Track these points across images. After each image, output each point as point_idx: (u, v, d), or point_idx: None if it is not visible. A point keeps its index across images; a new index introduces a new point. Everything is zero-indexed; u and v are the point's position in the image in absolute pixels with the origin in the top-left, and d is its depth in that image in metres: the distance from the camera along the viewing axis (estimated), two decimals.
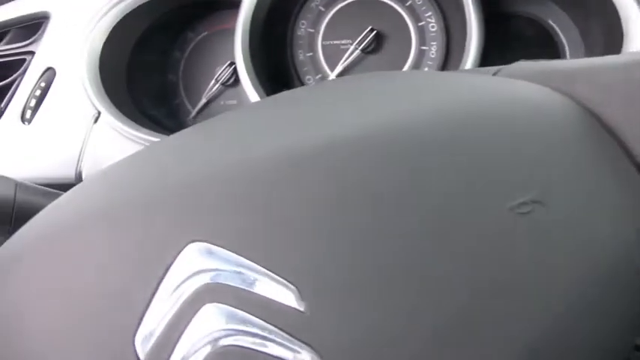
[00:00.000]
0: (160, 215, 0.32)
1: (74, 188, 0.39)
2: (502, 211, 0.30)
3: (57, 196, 0.57)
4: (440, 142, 0.33)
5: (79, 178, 0.81)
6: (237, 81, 0.90)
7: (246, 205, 0.31)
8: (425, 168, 0.31)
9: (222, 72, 0.90)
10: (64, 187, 0.80)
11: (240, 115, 0.40)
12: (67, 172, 0.82)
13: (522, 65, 0.42)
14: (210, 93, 0.92)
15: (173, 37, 0.94)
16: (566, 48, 0.81)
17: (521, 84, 0.38)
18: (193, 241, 0.30)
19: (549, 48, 0.81)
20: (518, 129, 0.34)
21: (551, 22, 0.82)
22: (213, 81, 0.91)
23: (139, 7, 0.86)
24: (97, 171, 0.39)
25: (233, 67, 0.89)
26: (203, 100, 0.92)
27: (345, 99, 0.38)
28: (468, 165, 0.32)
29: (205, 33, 0.94)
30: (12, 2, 0.89)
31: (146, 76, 0.93)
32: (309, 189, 0.31)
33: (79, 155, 0.82)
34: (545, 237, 0.31)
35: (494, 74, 0.42)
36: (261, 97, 0.79)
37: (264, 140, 0.34)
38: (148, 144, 0.79)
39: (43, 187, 0.59)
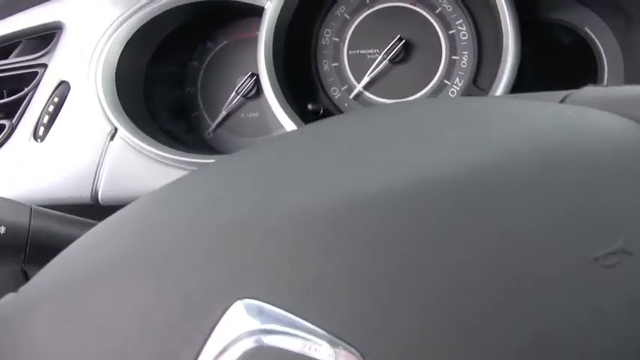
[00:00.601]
0: (203, 268, 0.28)
1: (99, 227, 0.35)
2: (585, 263, 0.26)
3: (73, 222, 0.56)
4: (512, 184, 0.29)
5: (95, 199, 0.78)
6: (258, 92, 0.87)
7: (302, 258, 0.27)
8: (495, 215, 0.27)
9: (244, 83, 0.87)
10: (79, 208, 0.78)
11: (289, 145, 0.36)
12: (82, 193, 0.78)
13: (593, 91, 0.38)
14: (231, 105, 0.88)
15: (191, 47, 0.91)
16: (604, 57, 0.78)
17: (598, 114, 0.34)
18: (241, 298, 0.26)
19: (586, 57, 0.78)
20: (599, 167, 0.30)
21: (587, 29, 0.79)
22: (233, 93, 0.87)
23: (157, 17, 0.82)
24: (127, 207, 0.35)
25: (254, 78, 0.86)
26: (223, 113, 0.89)
27: (404, 134, 0.34)
28: (544, 211, 0.28)
29: (225, 42, 0.90)
30: (23, 12, 0.85)
31: (164, 88, 0.90)
32: (374, 241, 0.27)
33: (95, 174, 0.78)
34: (636, 290, 0.26)
35: (562, 101, 0.37)
36: (285, 109, 0.76)
37: (322, 182, 0.30)
38: (166, 162, 0.77)
39: (58, 213, 0.57)
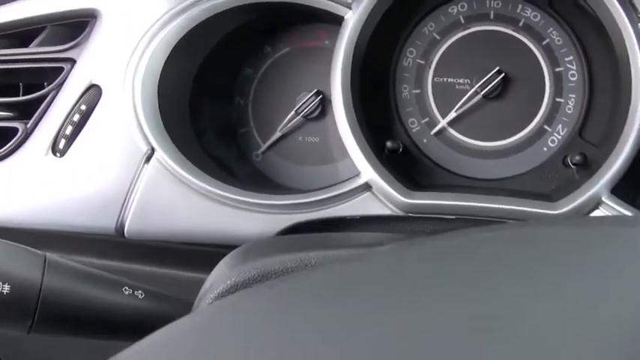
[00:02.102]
0: None
1: None
2: None
3: (91, 277, 0.49)
4: None
5: (120, 231, 0.68)
6: (323, 114, 0.76)
7: None
8: None
9: (306, 102, 0.75)
10: (101, 241, 0.67)
11: None
12: (106, 223, 0.68)
13: None
14: (287, 126, 0.76)
15: (247, 51, 0.78)
16: None
17: None
18: None
19: None
20: None
21: None
22: (292, 112, 0.76)
23: (213, 16, 0.69)
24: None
25: (320, 97, 0.75)
26: (277, 134, 0.77)
27: None
28: None
29: (287, 49, 0.78)
30: None
31: (212, 102, 0.78)
32: None
33: (124, 202, 0.68)
34: None
35: None
36: (358, 141, 0.66)
37: None
38: (209, 195, 0.66)
39: (74, 265, 0.50)
